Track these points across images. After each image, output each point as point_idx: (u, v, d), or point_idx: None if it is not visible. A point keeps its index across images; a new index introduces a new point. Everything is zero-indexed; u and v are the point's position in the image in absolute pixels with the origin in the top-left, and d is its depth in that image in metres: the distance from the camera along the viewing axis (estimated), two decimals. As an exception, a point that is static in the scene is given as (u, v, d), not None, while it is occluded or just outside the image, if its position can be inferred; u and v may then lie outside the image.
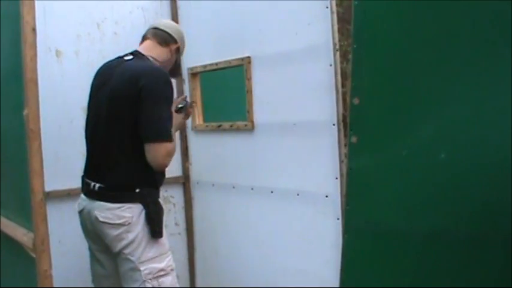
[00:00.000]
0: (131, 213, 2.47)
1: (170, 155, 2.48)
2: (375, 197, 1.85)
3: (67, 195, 3.20)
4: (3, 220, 2.54)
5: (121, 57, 2.68)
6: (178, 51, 2.83)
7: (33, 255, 2.17)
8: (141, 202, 2.49)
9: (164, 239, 2.56)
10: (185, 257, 3.83)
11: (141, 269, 2.46)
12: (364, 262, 1.90)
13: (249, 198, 3.29)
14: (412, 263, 1.75)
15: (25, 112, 2.14)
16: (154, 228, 2.50)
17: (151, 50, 2.71)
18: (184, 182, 3.81)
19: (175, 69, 2.85)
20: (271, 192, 3.14)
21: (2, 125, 2.54)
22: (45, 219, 2.14)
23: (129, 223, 2.46)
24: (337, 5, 2.77)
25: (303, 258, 2.97)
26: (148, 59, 2.66)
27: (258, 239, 3.26)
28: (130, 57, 2.64)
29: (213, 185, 3.60)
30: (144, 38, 2.79)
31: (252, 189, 3.27)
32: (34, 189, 2.12)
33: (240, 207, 3.38)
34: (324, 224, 2.82)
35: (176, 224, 3.78)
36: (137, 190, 2.49)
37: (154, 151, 2.44)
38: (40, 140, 2.14)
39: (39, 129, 2.15)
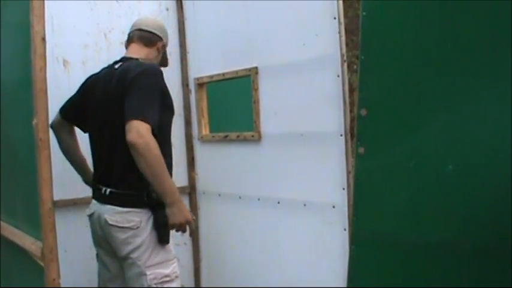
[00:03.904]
0: (140, 217, 2.51)
1: (141, 136, 2.30)
2: (382, 207, 1.84)
3: (73, 204, 3.21)
4: (11, 228, 2.55)
5: (111, 66, 2.72)
6: (165, 46, 2.87)
7: (42, 264, 2.17)
8: (150, 207, 2.52)
9: (170, 246, 2.60)
10: (191, 267, 3.82)
11: (147, 273, 2.48)
12: (371, 273, 1.89)
13: (255, 209, 3.29)
14: (420, 274, 1.74)
15: (34, 122, 2.14)
16: (162, 234, 2.54)
17: (139, 52, 2.75)
18: (190, 192, 3.81)
19: (162, 61, 2.89)
20: (278, 202, 3.13)
21: (11, 135, 2.56)
22: (53, 228, 2.14)
23: (138, 227, 2.50)
24: (342, 15, 2.78)
25: (309, 268, 2.96)
26: (137, 59, 2.69)
27: (265, 250, 3.26)
28: (120, 64, 2.68)
29: (219, 195, 3.60)
30: (129, 40, 2.82)
31: (259, 199, 3.26)
32: (43, 198, 2.12)
33: (247, 218, 3.37)
34: (331, 234, 2.83)
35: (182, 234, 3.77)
36: (146, 195, 2.52)
37: (126, 131, 2.33)
38: (49, 149, 2.16)
39: (48, 138, 2.16)
